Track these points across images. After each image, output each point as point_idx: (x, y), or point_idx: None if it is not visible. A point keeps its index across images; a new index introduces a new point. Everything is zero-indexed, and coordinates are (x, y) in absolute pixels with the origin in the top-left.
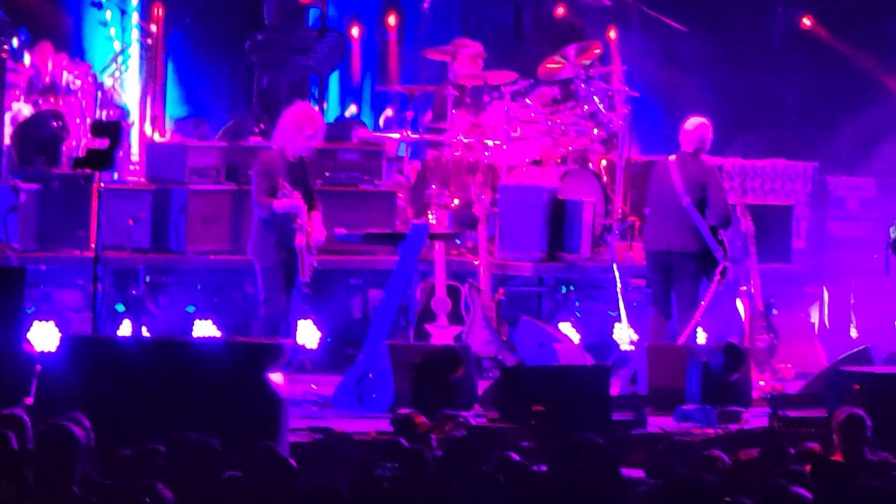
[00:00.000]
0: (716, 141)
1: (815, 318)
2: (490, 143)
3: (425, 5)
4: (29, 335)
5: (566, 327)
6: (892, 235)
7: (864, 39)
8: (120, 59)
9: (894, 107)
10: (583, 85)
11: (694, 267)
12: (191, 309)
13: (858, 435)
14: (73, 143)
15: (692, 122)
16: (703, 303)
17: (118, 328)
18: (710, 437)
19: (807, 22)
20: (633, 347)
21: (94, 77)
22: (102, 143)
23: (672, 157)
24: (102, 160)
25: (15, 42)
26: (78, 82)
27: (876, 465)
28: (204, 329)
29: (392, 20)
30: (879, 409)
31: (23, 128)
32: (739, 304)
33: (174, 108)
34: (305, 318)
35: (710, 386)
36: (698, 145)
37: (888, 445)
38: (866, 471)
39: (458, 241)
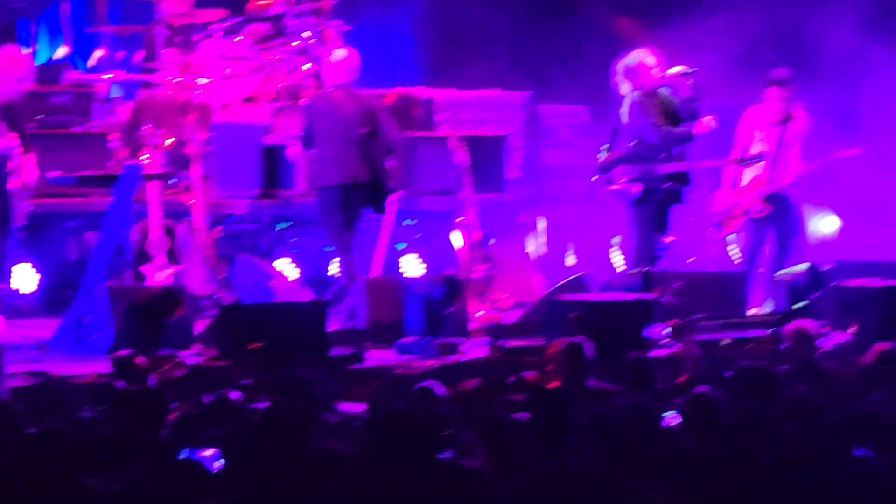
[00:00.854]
0: (428, 72)
1: (531, 248)
2: (202, 81)
3: None
4: None
5: (284, 263)
6: (600, 160)
7: None
8: None
9: (605, 33)
10: (293, 20)
11: (366, 196)
12: None
13: (576, 363)
14: None
15: (340, 52)
16: (384, 233)
17: None
18: (430, 368)
19: None
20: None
21: None
22: None
23: (330, 90)
24: None
25: None
26: None
27: (594, 391)
28: None
29: None
30: (595, 336)
31: None
32: (456, 235)
33: None
34: (23, 262)
35: (429, 318)
36: (354, 75)
37: (606, 371)
38: (583, 397)
39: (172, 181)
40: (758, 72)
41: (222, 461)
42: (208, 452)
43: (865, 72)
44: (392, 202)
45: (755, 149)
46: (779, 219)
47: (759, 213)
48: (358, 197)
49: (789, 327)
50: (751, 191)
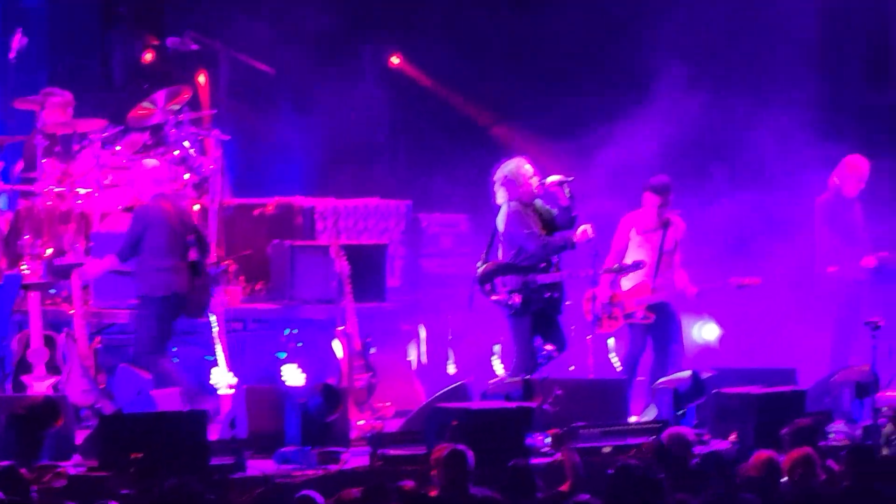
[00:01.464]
0: (310, 181)
1: (412, 356)
2: (82, 191)
3: (11, 55)
4: None
5: None
6: (479, 270)
7: (454, 77)
8: None
9: (484, 142)
10: (173, 130)
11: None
12: None
13: (459, 470)
14: None
15: (150, 162)
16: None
17: None
18: (311, 477)
19: (395, 60)
20: (232, 391)
21: None
22: None
23: (160, 199)
24: None
25: None
26: None
27: (476, 499)
28: None
29: None
30: (477, 444)
31: None
32: (337, 344)
33: None
34: None
35: (309, 427)
36: (165, 186)
37: (488, 479)
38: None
39: (52, 291)
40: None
41: None
42: None
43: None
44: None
45: (632, 255)
46: (660, 326)
47: (644, 320)
48: (180, 306)
49: (667, 433)
50: (634, 296)
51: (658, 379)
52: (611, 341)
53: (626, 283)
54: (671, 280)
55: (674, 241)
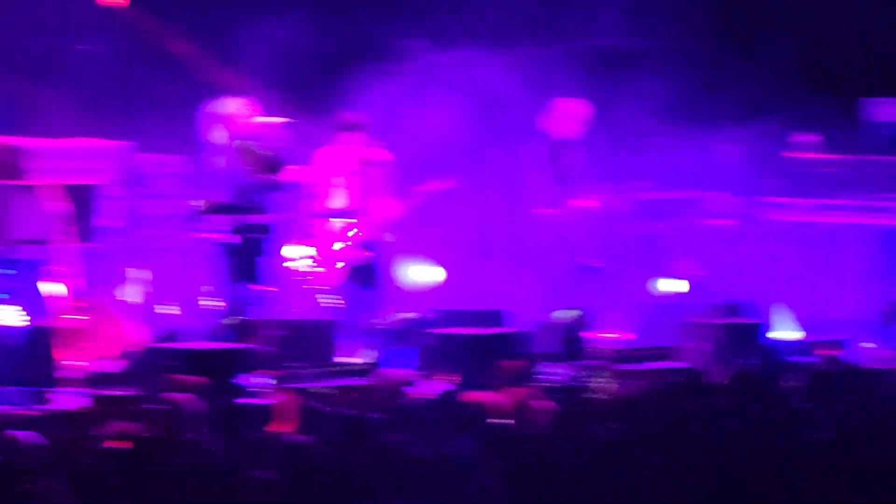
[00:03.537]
0: (23, 120)
1: (127, 297)
2: None
3: None
4: None
5: None
6: (191, 207)
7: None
8: None
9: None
10: None
11: None
12: None
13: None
14: None
15: None
16: None
17: None
18: (21, 417)
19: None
20: None
21: None
22: None
23: None
24: None
25: None
26: None
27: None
28: None
29: None
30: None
31: None
32: (50, 285)
33: None
34: None
35: (22, 367)
36: None
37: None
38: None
39: None
40: None
41: None
42: None
43: None
44: None
45: (338, 199)
46: (368, 265)
47: (359, 261)
48: None
49: (380, 375)
50: (344, 240)
51: (368, 317)
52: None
53: (336, 226)
54: (382, 216)
55: (378, 178)
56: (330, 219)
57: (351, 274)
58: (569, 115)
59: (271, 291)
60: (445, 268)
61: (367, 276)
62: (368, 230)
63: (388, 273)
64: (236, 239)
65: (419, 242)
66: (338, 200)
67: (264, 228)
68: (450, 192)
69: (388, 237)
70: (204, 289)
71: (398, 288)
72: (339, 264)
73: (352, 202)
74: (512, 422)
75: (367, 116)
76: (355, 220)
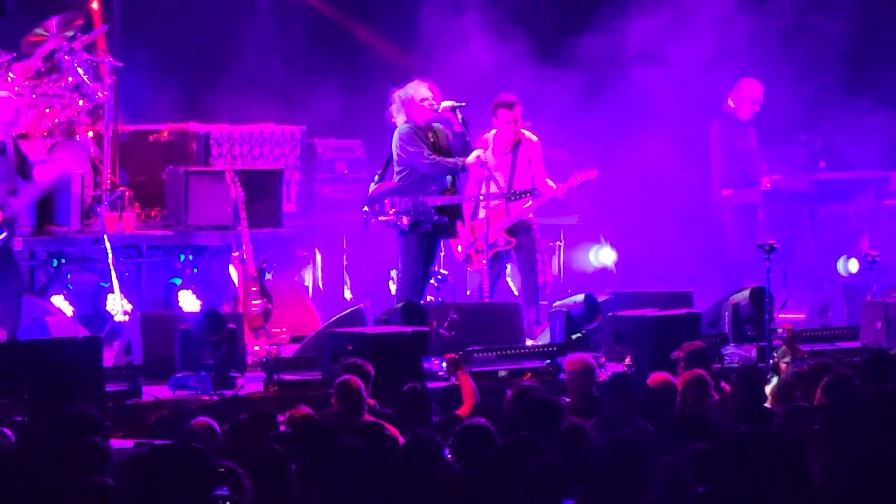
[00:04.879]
0: (205, 107)
1: (308, 281)
2: None
3: None
4: None
5: (59, 300)
6: (371, 189)
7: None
8: None
9: (377, 66)
10: (66, 57)
11: None
12: None
13: (357, 396)
14: None
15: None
16: None
17: None
18: (206, 403)
19: None
20: (126, 318)
21: None
22: None
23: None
24: None
25: None
26: None
27: (371, 422)
28: None
29: None
30: (377, 366)
31: None
32: (232, 270)
33: None
34: None
35: (205, 353)
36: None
37: (384, 403)
38: (359, 428)
39: None
40: None
41: None
42: None
43: None
44: None
45: (499, 180)
46: (523, 245)
47: (507, 246)
48: None
49: (569, 359)
50: (491, 224)
51: (531, 299)
52: (508, 266)
53: (483, 212)
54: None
55: (527, 159)
56: (494, 201)
57: (496, 258)
58: (750, 95)
59: (447, 274)
60: (631, 251)
61: (528, 254)
62: (523, 212)
63: (565, 256)
64: (408, 220)
65: (597, 225)
66: (499, 181)
67: (448, 210)
68: (593, 182)
69: (571, 219)
70: (391, 272)
71: (575, 271)
72: (493, 248)
73: (512, 183)
74: (694, 403)
75: (517, 97)
76: (501, 205)
